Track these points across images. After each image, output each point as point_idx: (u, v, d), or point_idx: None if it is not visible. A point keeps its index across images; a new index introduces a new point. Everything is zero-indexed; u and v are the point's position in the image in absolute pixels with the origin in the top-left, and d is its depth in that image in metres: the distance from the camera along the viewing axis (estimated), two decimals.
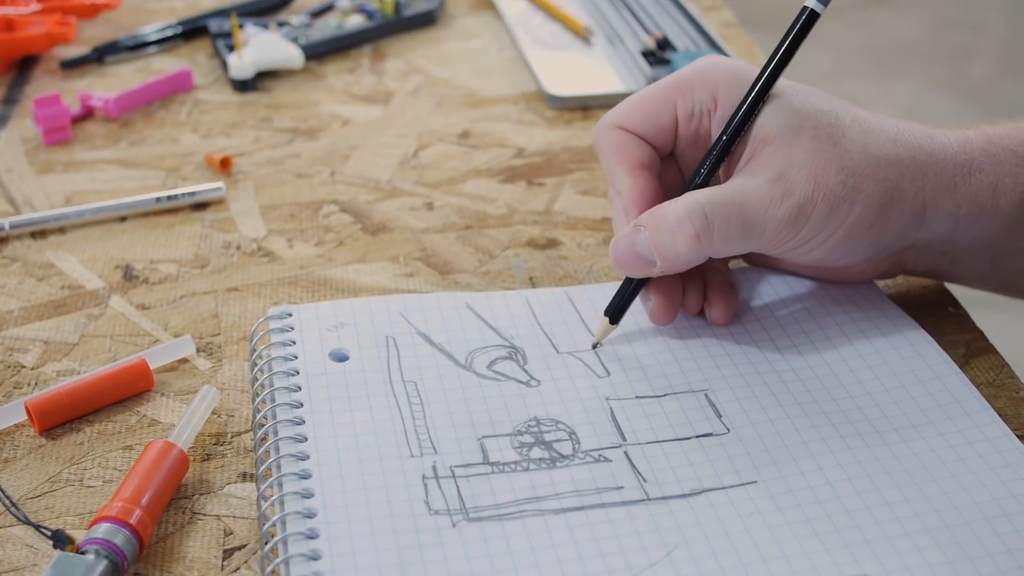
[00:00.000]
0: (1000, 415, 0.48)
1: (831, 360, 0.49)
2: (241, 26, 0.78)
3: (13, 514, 0.43)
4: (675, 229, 0.47)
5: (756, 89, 0.48)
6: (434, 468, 0.44)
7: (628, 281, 0.50)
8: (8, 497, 0.43)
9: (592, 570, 0.40)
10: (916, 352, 0.49)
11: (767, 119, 0.48)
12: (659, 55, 0.76)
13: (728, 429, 0.46)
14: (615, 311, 0.50)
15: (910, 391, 0.47)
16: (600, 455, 0.45)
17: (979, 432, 0.45)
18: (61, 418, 0.48)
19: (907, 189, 0.47)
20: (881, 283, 0.56)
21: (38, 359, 0.51)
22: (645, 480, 0.43)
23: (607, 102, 0.72)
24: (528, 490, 0.43)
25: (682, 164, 0.53)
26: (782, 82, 0.49)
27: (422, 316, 0.51)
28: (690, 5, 0.84)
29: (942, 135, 0.49)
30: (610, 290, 0.54)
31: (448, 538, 0.41)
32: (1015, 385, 0.50)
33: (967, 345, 0.52)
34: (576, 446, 0.45)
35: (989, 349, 0.52)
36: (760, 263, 0.55)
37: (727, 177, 0.49)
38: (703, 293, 0.52)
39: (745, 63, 0.51)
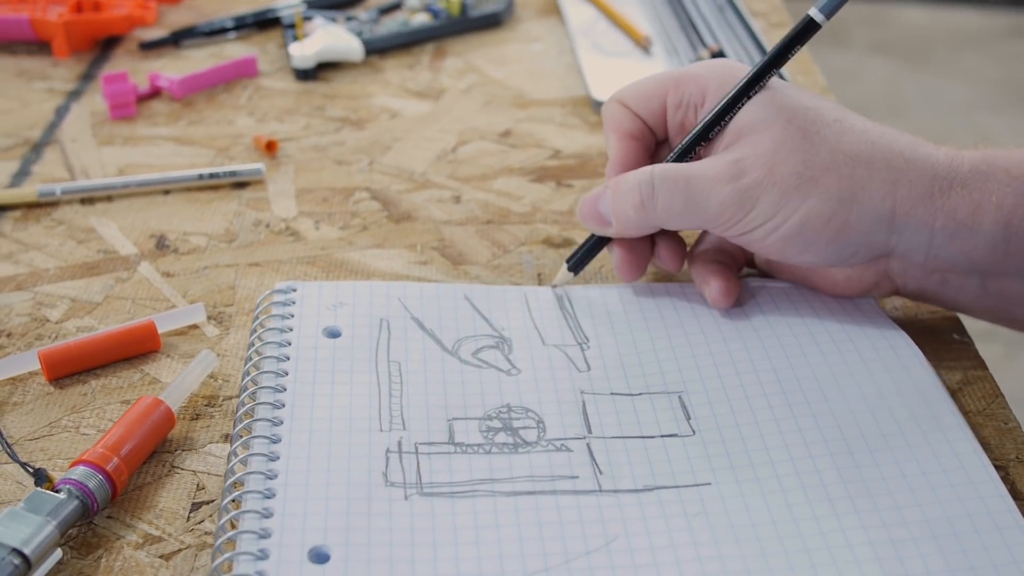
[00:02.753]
0: (984, 443, 0.47)
1: (817, 367, 0.49)
2: (310, 18, 0.81)
3: (6, 452, 0.46)
4: (627, 194, 0.50)
5: (741, 83, 0.50)
6: (399, 443, 0.45)
7: (592, 236, 0.54)
8: (2, 435, 0.46)
9: (529, 551, 0.41)
10: (902, 365, 0.49)
11: (747, 112, 0.50)
12: None
13: (694, 431, 0.46)
14: (576, 262, 0.54)
15: (888, 401, 0.47)
16: (562, 444, 0.45)
17: (949, 447, 0.45)
18: (70, 369, 0.51)
19: (874, 190, 0.47)
20: (889, 306, 0.55)
21: (63, 315, 0.55)
22: (601, 472, 0.44)
23: None
24: (485, 472, 0.44)
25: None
26: (775, 81, 0.50)
27: (419, 303, 0.53)
28: (755, 20, 0.84)
29: (932, 148, 0.48)
30: (610, 291, 0.55)
31: (397, 509, 0.42)
32: (1005, 416, 0.49)
33: (964, 372, 0.51)
34: (541, 434, 0.46)
35: (986, 378, 0.51)
36: (761, 268, 0.56)
37: None
38: (684, 250, 0.54)
39: (743, 66, 0.52)
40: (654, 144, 0.55)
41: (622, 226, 0.51)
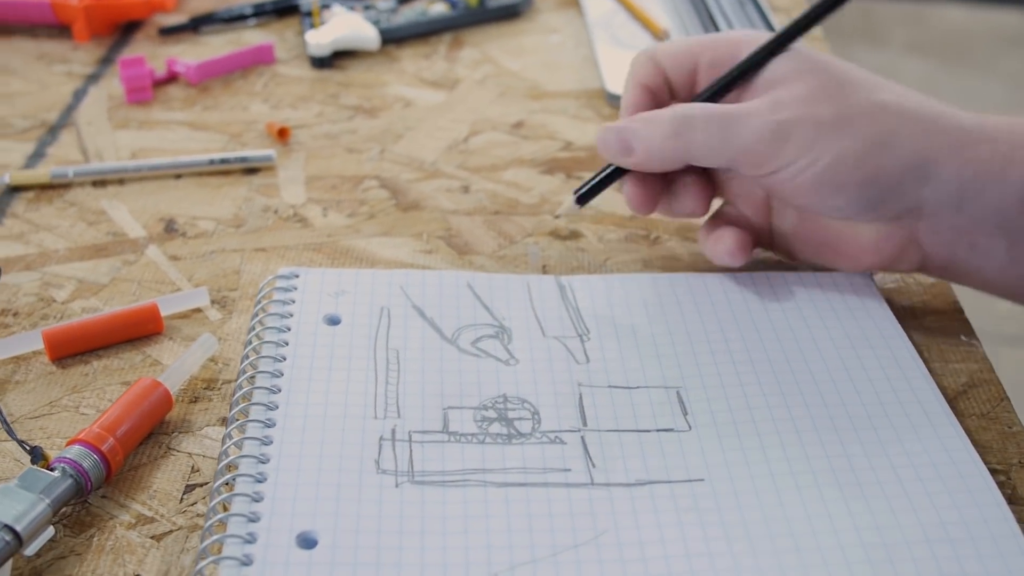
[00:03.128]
0: (987, 447, 0.47)
1: (817, 370, 0.49)
2: (328, 6, 0.81)
3: (5, 429, 0.46)
4: (659, 124, 0.51)
5: (772, 39, 0.51)
6: (393, 431, 0.45)
7: (605, 168, 0.54)
8: (1, 413, 0.47)
9: (517, 543, 0.41)
10: (902, 372, 0.48)
11: (779, 64, 0.51)
12: None
13: (690, 427, 0.46)
14: (583, 194, 0.55)
15: (886, 408, 0.47)
16: (556, 437, 0.45)
17: (947, 455, 0.44)
18: (72, 349, 0.51)
19: (905, 136, 0.48)
20: (896, 304, 0.55)
21: (69, 295, 0.55)
22: (594, 466, 0.44)
23: None
24: (478, 462, 0.44)
25: None
26: (800, 44, 0.51)
27: (421, 291, 0.53)
28: (776, 15, 0.83)
29: (957, 108, 0.49)
30: (613, 281, 0.55)
31: (387, 496, 0.42)
32: (1009, 419, 0.48)
33: (971, 375, 0.51)
34: (536, 425, 0.46)
35: (991, 381, 0.50)
36: (782, 247, 0.55)
37: None
38: (711, 194, 0.54)
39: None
40: (667, 102, 0.55)
41: (647, 155, 0.51)
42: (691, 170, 0.54)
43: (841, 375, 0.48)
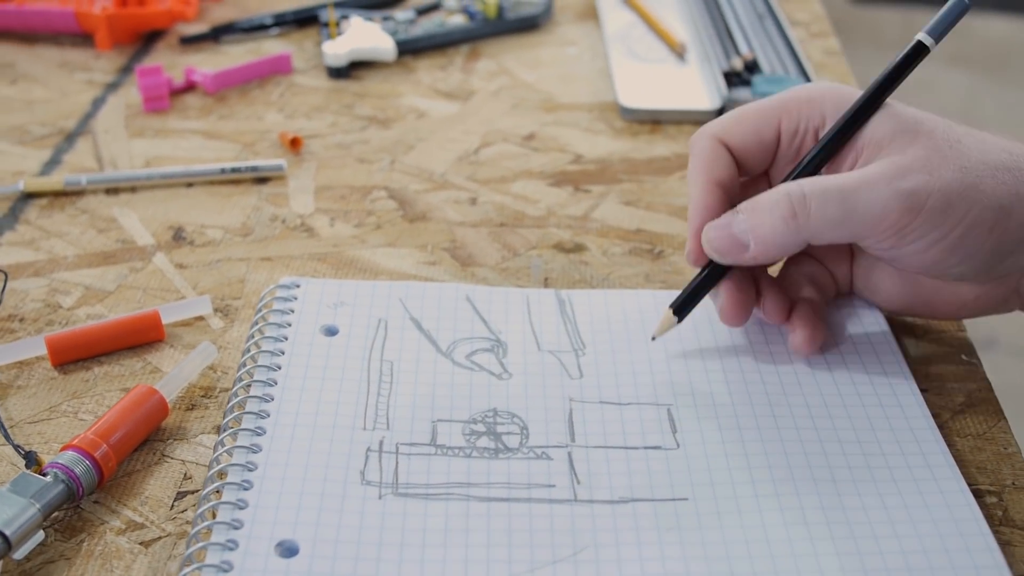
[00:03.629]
0: (980, 468, 0.46)
1: (808, 390, 0.48)
2: (346, 17, 0.82)
3: (2, 433, 0.47)
4: (772, 209, 0.47)
5: (864, 99, 0.48)
6: (381, 443, 0.45)
7: (703, 276, 0.50)
8: None
9: (495, 557, 0.41)
10: (897, 400, 0.48)
11: (878, 124, 0.48)
12: (743, 76, 0.75)
13: (678, 445, 0.46)
14: (681, 305, 0.50)
15: (877, 434, 0.46)
16: (543, 452, 0.45)
17: (935, 484, 0.44)
18: (74, 355, 0.52)
19: None
20: (899, 321, 0.54)
21: (75, 302, 0.56)
22: (579, 482, 0.44)
23: (676, 118, 0.72)
24: (463, 475, 0.44)
25: (775, 183, 0.52)
26: (889, 101, 0.49)
27: (420, 303, 0.53)
28: (793, 30, 0.83)
29: None
30: (613, 296, 0.55)
31: (370, 507, 0.42)
32: (1005, 440, 0.48)
33: (968, 394, 0.50)
34: (523, 440, 0.46)
35: (989, 400, 0.50)
36: (864, 289, 0.53)
37: None
38: (788, 302, 0.51)
39: (854, 89, 0.51)
40: (737, 190, 0.51)
41: (764, 246, 0.47)
42: (764, 280, 0.51)
43: (835, 400, 0.48)
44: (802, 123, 0.50)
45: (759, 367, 0.50)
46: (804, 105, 0.50)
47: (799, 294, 0.52)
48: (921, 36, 0.49)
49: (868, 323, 0.53)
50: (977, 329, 0.53)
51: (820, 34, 0.85)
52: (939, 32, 0.49)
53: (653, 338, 0.50)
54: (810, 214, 0.46)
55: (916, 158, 0.46)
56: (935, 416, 0.48)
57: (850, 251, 0.53)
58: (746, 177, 0.52)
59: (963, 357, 0.53)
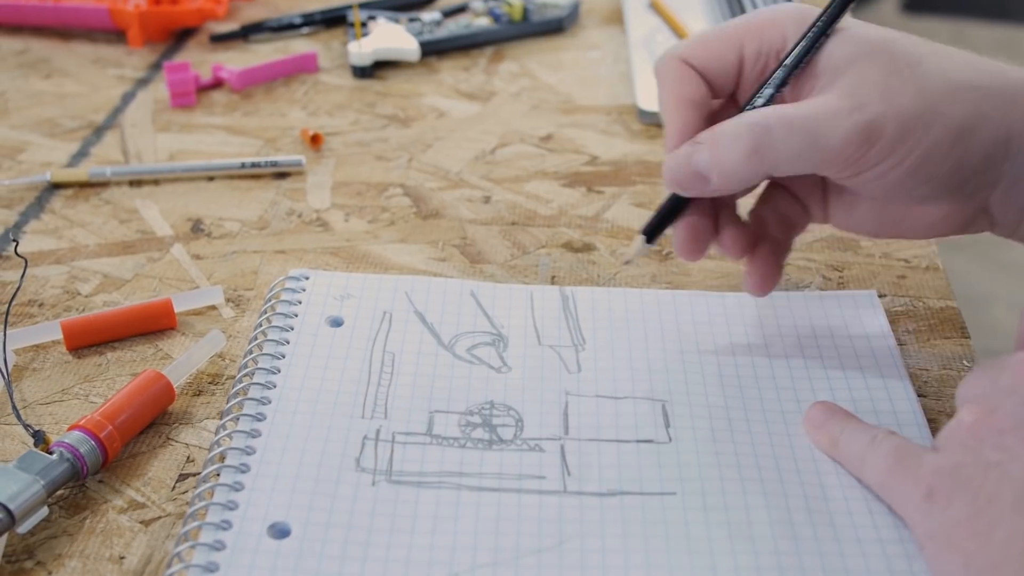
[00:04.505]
0: None
1: (802, 394, 0.49)
2: (374, 18, 0.83)
3: (13, 412, 0.49)
4: (733, 142, 0.46)
5: (821, 19, 0.48)
6: (378, 431, 0.46)
7: (670, 202, 0.50)
8: (11, 397, 0.49)
9: (481, 544, 0.41)
10: (893, 407, 0.48)
11: (835, 48, 0.47)
12: None
13: (670, 439, 0.46)
14: (651, 230, 0.50)
15: None
16: (536, 444, 0.46)
17: None
18: (88, 340, 0.53)
19: (990, 114, 0.45)
20: (901, 328, 0.54)
21: (93, 289, 0.58)
22: (569, 474, 0.45)
23: None
24: (456, 465, 0.45)
25: (743, 106, 0.51)
26: (848, 19, 0.48)
27: (425, 297, 0.54)
28: None
29: (1012, 66, 0.47)
30: (616, 294, 0.55)
31: (363, 493, 0.43)
32: None
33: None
34: (518, 432, 0.47)
35: None
36: (836, 217, 0.52)
37: None
38: (749, 237, 0.51)
39: (816, 8, 0.50)
40: (712, 107, 0.51)
41: (726, 178, 0.46)
42: (725, 213, 0.51)
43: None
44: (764, 45, 0.49)
45: (755, 369, 0.50)
46: (766, 26, 0.49)
47: (764, 230, 0.51)
48: None
49: (869, 325, 0.53)
50: (991, 341, 0.53)
51: None
52: None
53: (627, 263, 0.49)
54: (773, 146, 0.45)
55: (874, 83, 0.45)
56: (931, 421, 0.48)
57: (822, 180, 0.52)
58: (716, 101, 0.52)
59: (966, 363, 0.53)
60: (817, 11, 0.49)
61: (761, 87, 0.49)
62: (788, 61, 0.48)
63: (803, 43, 0.48)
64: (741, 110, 0.49)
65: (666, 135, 0.50)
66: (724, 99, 0.52)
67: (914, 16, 2.76)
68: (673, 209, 0.50)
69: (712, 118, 0.50)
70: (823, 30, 0.48)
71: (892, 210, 0.50)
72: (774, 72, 0.49)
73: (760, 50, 0.49)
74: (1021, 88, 0.46)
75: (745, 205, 0.53)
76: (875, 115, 0.45)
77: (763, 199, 0.53)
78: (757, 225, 0.52)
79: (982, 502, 0.39)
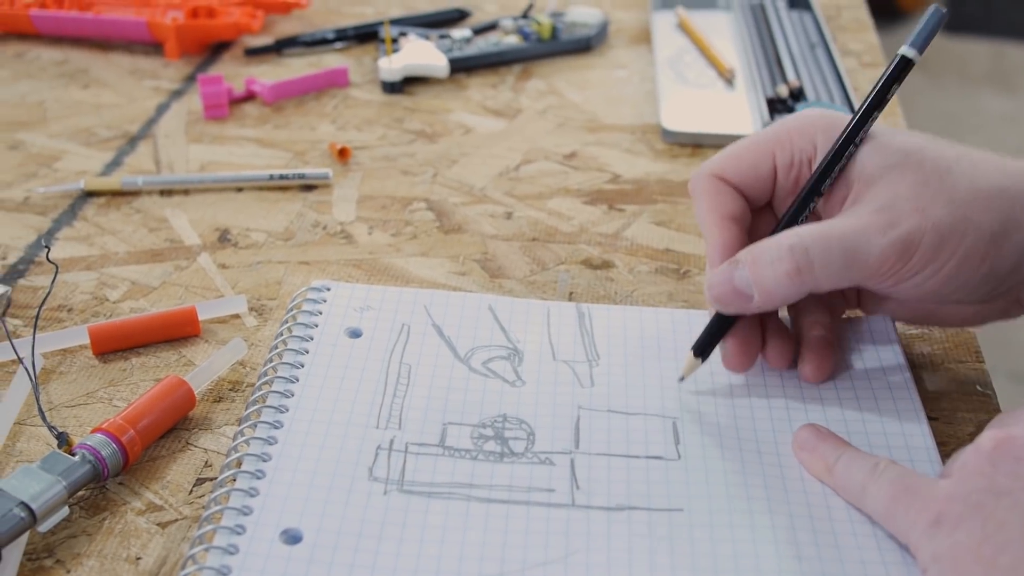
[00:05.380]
0: None
1: (813, 415, 0.49)
2: (404, 34, 0.85)
3: (39, 414, 0.50)
4: (774, 263, 0.47)
5: (850, 127, 0.49)
6: (391, 442, 0.47)
7: (717, 318, 0.50)
8: (38, 399, 0.50)
9: (488, 555, 0.42)
10: (902, 430, 0.48)
11: (866, 158, 0.48)
12: (787, 103, 0.76)
13: (679, 456, 0.47)
14: (702, 347, 0.51)
15: None
16: (547, 458, 0.47)
17: None
18: (114, 345, 0.55)
19: (1020, 219, 0.46)
20: (916, 351, 0.54)
21: (121, 295, 0.59)
22: (578, 488, 0.45)
23: (717, 142, 0.73)
24: (467, 476, 0.46)
25: (779, 215, 0.53)
26: (878, 125, 0.49)
27: (443, 311, 0.55)
28: (845, 60, 0.83)
29: None
30: (632, 312, 0.56)
31: (374, 502, 0.44)
32: None
33: (979, 425, 0.50)
34: (529, 446, 0.47)
35: None
36: (872, 308, 0.54)
37: (827, 219, 0.50)
38: (793, 347, 0.52)
39: (845, 113, 0.51)
40: (750, 220, 0.52)
41: (767, 297, 0.47)
42: (770, 325, 0.51)
43: (839, 427, 0.48)
44: (795, 154, 0.50)
45: (768, 389, 0.51)
46: (795, 135, 0.50)
47: (811, 332, 0.52)
48: (904, 50, 0.49)
49: (884, 352, 0.53)
50: (1008, 361, 0.53)
51: (872, 64, 0.85)
52: (921, 44, 0.49)
53: (682, 378, 0.51)
54: (813, 268, 0.47)
55: (906, 198, 0.46)
56: (941, 445, 0.48)
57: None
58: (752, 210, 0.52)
59: (978, 388, 0.53)
60: (844, 115, 0.50)
61: (796, 200, 0.50)
62: (819, 171, 0.49)
63: (835, 148, 0.49)
64: (778, 223, 0.50)
65: (707, 252, 0.51)
66: (760, 208, 0.53)
67: (953, 37, 2.75)
68: (721, 325, 0.50)
69: (750, 228, 0.51)
70: (847, 141, 0.49)
71: (926, 308, 0.53)
72: (808, 184, 0.49)
73: (792, 159, 0.51)
74: None
75: None
76: (910, 230, 0.46)
77: (799, 307, 0.53)
78: (800, 324, 0.52)
79: (991, 528, 0.39)
